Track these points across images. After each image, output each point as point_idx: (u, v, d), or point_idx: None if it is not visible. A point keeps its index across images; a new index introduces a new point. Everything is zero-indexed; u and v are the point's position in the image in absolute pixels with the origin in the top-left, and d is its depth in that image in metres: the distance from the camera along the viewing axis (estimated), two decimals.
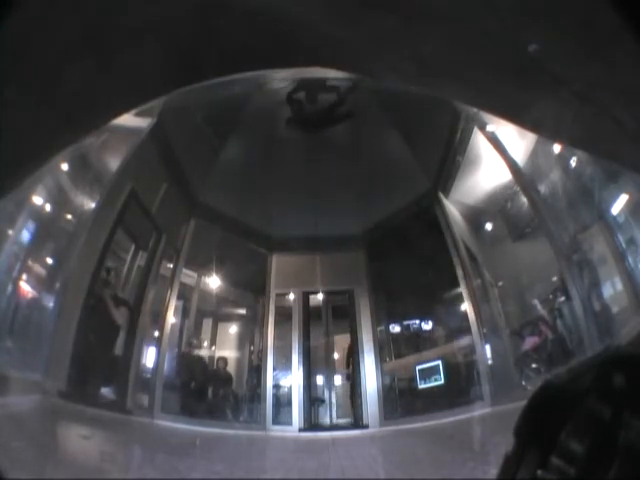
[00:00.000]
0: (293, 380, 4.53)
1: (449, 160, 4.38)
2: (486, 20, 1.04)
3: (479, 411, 3.66)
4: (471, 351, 4.12)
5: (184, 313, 4.67)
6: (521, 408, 0.68)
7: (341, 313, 4.98)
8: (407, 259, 4.49)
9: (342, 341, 4.92)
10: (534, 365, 3.74)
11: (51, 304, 3.40)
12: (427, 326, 4.70)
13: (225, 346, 4.91)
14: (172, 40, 1.23)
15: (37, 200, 3.32)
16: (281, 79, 3.97)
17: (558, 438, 0.62)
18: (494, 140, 3.88)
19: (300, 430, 4.28)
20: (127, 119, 3.26)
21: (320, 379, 4.87)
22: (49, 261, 3.54)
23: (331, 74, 3.64)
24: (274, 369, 4.53)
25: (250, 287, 5.02)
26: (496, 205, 4.22)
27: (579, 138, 1.25)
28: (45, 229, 3.47)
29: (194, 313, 4.77)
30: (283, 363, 4.65)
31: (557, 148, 3.38)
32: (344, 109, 4.30)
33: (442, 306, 4.58)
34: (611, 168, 2.76)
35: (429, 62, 1.23)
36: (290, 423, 4.33)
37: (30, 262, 3.34)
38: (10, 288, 3.18)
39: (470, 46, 1.13)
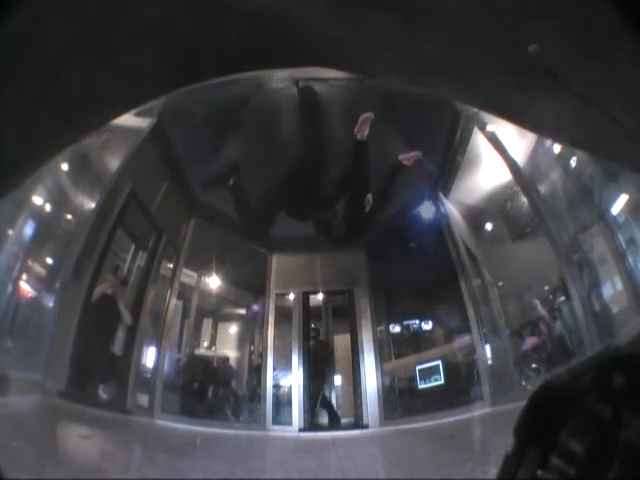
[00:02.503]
0: (293, 380, 4.53)
1: (449, 160, 4.37)
2: (486, 20, 1.04)
3: (479, 411, 3.65)
4: (471, 351, 4.12)
5: (184, 313, 4.66)
6: (521, 408, 0.68)
7: (341, 313, 4.98)
8: (407, 259, 4.49)
9: (342, 341, 4.91)
10: (534, 365, 3.74)
11: (51, 304, 3.40)
12: (427, 326, 4.69)
13: (225, 346, 4.91)
14: (172, 40, 1.23)
15: (37, 200, 3.32)
16: (281, 79, 3.97)
17: (558, 438, 0.61)
18: (494, 140, 3.88)
19: (300, 430, 4.27)
20: (127, 119, 3.27)
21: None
22: (49, 261, 3.54)
23: (331, 74, 3.65)
24: (274, 369, 4.52)
25: (250, 287, 5.01)
26: (496, 205, 4.22)
27: (579, 138, 1.25)
28: (45, 229, 3.47)
29: (194, 313, 4.76)
30: (283, 363, 4.64)
31: (557, 148, 3.38)
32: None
33: (442, 306, 4.57)
34: (611, 168, 2.76)
35: (429, 62, 1.23)
36: (290, 423, 4.32)
37: (30, 262, 3.34)
38: (10, 288, 3.18)
39: (470, 46, 1.13)
